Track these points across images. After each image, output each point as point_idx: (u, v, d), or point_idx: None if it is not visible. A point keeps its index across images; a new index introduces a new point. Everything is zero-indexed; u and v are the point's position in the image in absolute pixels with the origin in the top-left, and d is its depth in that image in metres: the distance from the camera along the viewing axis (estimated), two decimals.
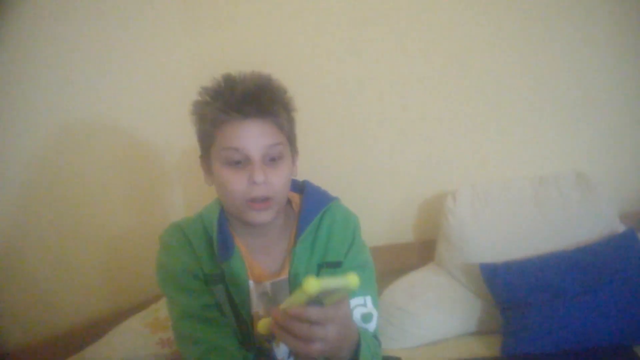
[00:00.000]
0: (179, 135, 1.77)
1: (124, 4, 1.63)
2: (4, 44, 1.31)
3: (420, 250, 1.91)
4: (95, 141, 1.57)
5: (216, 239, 1.07)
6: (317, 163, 1.77)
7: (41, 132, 1.41)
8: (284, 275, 1.10)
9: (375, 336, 1.11)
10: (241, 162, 1.00)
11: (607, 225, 1.66)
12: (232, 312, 1.09)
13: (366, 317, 1.09)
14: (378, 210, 1.94)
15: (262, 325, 0.85)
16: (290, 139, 1.08)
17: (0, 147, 1.32)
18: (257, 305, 1.10)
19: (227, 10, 1.81)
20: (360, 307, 1.09)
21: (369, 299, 1.10)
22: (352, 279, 0.74)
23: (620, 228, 1.66)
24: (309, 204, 1.13)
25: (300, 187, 1.19)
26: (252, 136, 0.99)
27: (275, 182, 1.01)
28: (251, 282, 1.09)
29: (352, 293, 1.04)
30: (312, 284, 0.70)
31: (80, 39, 1.50)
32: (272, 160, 1.01)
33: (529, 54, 1.80)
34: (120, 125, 1.65)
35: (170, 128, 1.78)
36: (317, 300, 0.77)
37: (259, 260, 1.11)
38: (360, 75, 1.84)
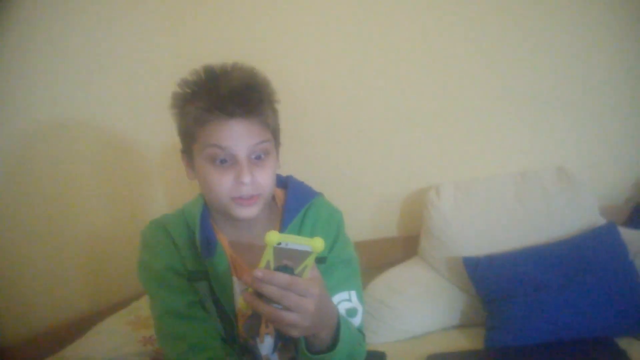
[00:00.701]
0: (160, 131, 1.74)
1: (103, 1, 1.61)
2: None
3: (404, 245, 1.91)
4: (75, 138, 1.54)
5: (198, 236, 1.05)
6: (303, 158, 1.76)
7: (19, 129, 1.38)
8: None
9: (360, 330, 1.10)
10: (226, 161, 0.98)
11: (588, 219, 1.68)
12: (215, 309, 1.08)
13: (351, 312, 1.09)
14: (362, 205, 1.94)
15: (243, 301, 0.85)
16: (275, 133, 1.06)
17: None
18: (238, 302, 1.09)
19: (210, 3, 1.79)
20: (345, 302, 1.09)
21: (353, 294, 1.10)
22: (316, 241, 0.76)
23: (601, 222, 1.68)
24: (293, 200, 1.12)
25: (284, 183, 1.18)
26: (238, 136, 0.96)
27: (262, 180, 0.99)
28: (235, 279, 1.08)
29: (336, 289, 1.05)
30: (273, 235, 0.74)
31: (60, 36, 1.47)
32: (257, 158, 1.00)
33: (511, 52, 1.81)
34: (100, 123, 1.62)
35: (150, 125, 1.75)
36: (286, 269, 0.79)
37: (242, 257, 1.10)
38: (346, 73, 1.83)
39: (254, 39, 1.79)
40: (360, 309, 1.10)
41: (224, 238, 1.10)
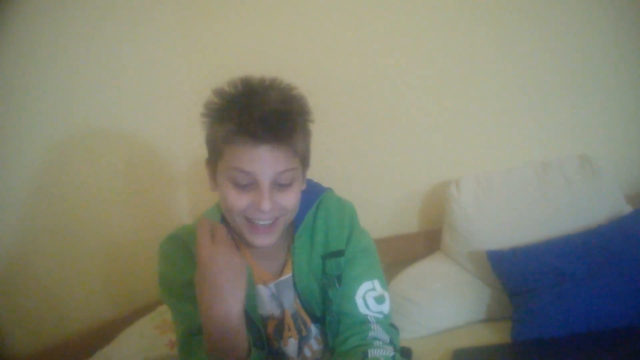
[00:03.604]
0: (183, 140, 1.77)
1: (124, 12, 1.63)
2: (5, 51, 1.30)
3: (426, 240, 1.91)
4: (98, 147, 1.57)
5: None
6: (321, 156, 1.76)
7: (43, 138, 1.40)
8: (287, 274, 1.10)
9: (392, 324, 1.11)
10: (248, 185, 0.96)
11: (614, 207, 1.65)
12: None
13: (379, 299, 1.10)
14: (382, 201, 1.93)
15: None
16: (304, 159, 1.04)
17: (3, 153, 1.31)
18: (270, 308, 1.11)
19: (227, 13, 1.81)
20: (371, 291, 1.10)
21: (377, 282, 1.11)
22: None
23: (627, 210, 1.65)
24: (302, 199, 1.10)
25: None
26: (264, 162, 0.93)
27: (285, 203, 0.98)
28: (258, 286, 1.09)
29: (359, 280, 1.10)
30: None
31: (82, 47, 1.50)
32: (281, 185, 0.97)
33: (531, 40, 1.79)
34: (123, 131, 1.64)
35: (174, 134, 1.78)
36: None
37: (261, 263, 1.11)
38: (363, 69, 1.84)
39: (271, 42, 1.81)
40: (386, 295, 1.11)
41: (243, 247, 1.10)
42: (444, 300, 1.65)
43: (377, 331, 1.06)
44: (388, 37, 1.82)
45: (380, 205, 1.93)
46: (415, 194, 1.94)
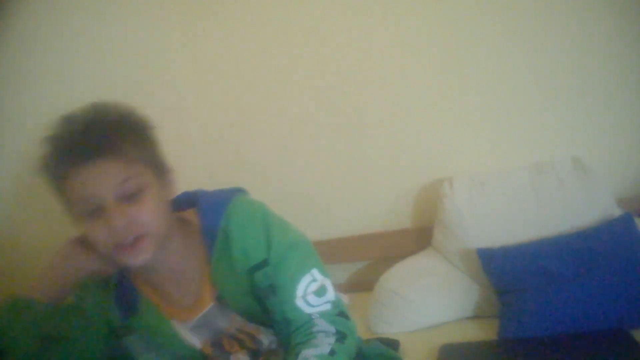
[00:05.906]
0: (173, 128, 1.76)
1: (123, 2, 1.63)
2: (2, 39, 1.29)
3: (418, 237, 1.92)
4: None
5: (115, 299, 1.01)
6: (315, 151, 1.77)
7: (36, 125, 1.40)
8: (208, 305, 1.04)
9: (342, 312, 1.04)
10: (97, 210, 0.88)
11: (604, 210, 1.66)
12: (169, 353, 1.06)
13: (319, 292, 1.03)
14: (376, 197, 1.94)
15: None
16: (153, 164, 0.95)
17: None
18: (198, 338, 1.06)
19: (224, 7, 1.81)
20: (312, 283, 1.03)
21: (315, 272, 1.04)
22: None
23: (618, 213, 1.66)
24: (208, 214, 1.02)
25: (192, 201, 1.07)
26: (97, 179, 0.87)
27: (141, 217, 0.90)
28: (173, 321, 1.04)
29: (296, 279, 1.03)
30: None
31: (77, 35, 1.49)
32: (130, 197, 0.89)
33: (526, 41, 1.79)
34: None
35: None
36: None
37: (174, 294, 1.04)
38: (357, 65, 1.84)
39: (266, 39, 1.81)
40: (327, 283, 1.04)
41: (146, 286, 1.05)
42: (433, 296, 1.66)
43: (320, 325, 1.00)
44: (385, 37, 1.82)
45: (374, 201, 1.94)
46: (409, 191, 1.95)
